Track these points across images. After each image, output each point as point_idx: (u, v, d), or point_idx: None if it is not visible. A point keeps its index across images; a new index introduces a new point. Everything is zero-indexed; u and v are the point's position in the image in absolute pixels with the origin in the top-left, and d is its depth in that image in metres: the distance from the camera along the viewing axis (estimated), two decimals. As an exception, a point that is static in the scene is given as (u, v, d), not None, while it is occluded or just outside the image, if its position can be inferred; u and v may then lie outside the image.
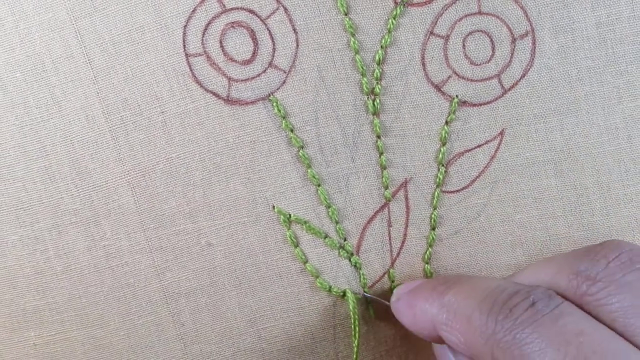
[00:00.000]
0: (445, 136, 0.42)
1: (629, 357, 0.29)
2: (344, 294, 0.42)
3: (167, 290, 0.42)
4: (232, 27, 0.40)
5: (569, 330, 0.30)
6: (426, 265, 0.43)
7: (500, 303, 0.32)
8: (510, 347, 0.30)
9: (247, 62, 0.41)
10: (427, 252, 0.43)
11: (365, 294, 0.42)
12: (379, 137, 0.42)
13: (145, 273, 0.42)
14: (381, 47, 0.41)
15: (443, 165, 0.42)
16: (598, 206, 0.42)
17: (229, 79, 0.41)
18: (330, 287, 0.42)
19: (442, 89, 0.41)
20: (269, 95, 0.41)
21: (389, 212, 0.42)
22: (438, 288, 0.36)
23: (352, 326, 0.41)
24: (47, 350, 0.42)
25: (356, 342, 0.41)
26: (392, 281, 0.43)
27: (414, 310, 0.37)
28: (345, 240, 0.42)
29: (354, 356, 0.41)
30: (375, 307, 0.43)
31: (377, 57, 0.41)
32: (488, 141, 0.42)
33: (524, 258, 0.42)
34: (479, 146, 0.42)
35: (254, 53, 0.41)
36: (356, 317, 0.41)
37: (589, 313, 0.32)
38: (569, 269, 0.33)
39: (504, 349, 0.30)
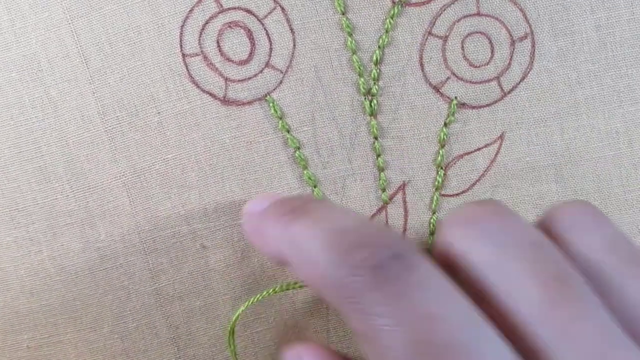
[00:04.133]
0: (444, 138, 0.41)
1: (480, 349, 0.25)
2: None
3: (161, 293, 0.41)
4: (229, 27, 0.40)
5: (419, 312, 0.25)
6: (425, 272, 0.42)
7: (344, 253, 0.26)
8: (358, 310, 0.25)
9: (244, 63, 0.41)
10: (426, 259, 0.42)
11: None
12: (376, 138, 0.41)
13: (140, 275, 0.41)
14: (379, 47, 0.41)
15: (442, 168, 0.42)
16: (599, 213, 0.42)
17: (226, 79, 0.41)
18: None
19: (440, 90, 0.41)
20: (266, 96, 0.41)
21: (386, 215, 0.42)
22: (284, 217, 0.31)
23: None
24: (40, 354, 0.42)
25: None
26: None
27: (263, 236, 0.33)
28: (341, 241, 0.42)
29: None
30: None
31: (374, 58, 0.41)
32: (488, 144, 0.42)
33: (525, 267, 0.42)
34: (478, 149, 0.42)
35: (250, 53, 0.41)
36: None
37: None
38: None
39: (351, 310, 0.26)
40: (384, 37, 0.41)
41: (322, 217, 0.29)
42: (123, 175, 0.41)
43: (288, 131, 0.41)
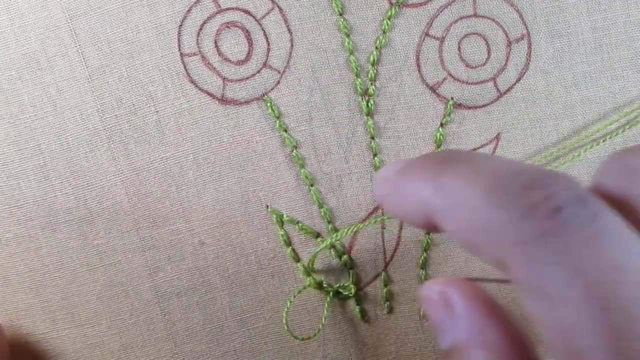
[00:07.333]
0: (440, 138, 0.42)
1: None
2: (334, 294, 0.42)
3: (159, 290, 0.42)
4: (227, 27, 0.41)
5: (604, 263, 0.22)
6: (421, 270, 0.42)
7: (514, 195, 0.23)
8: (527, 262, 0.23)
9: (242, 62, 0.41)
10: (422, 257, 0.42)
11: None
12: (373, 138, 0.42)
13: (138, 272, 0.42)
14: (376, 47, 0.41)
15: (438, 168, 0.42)
16: (594, 212, 0.42)
17: (224, 79, 0.41)
18: (321, 285, 0.42)
19: (437, 91, 0.41)
20: (263, 96, 0.41)
21: (382, 214, 0.42)
22: (432, 167, 0.27)
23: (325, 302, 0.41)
24: (38, 349, 0.42)
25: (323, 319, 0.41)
26: (385, 285, 0.43)
27: (403, 193, 0.28)
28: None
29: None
30: (366, 309, 0.43)
31: (371, 58, 0.41)
32: (483, 145, 0.42)
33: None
34: (474, 150, 0.42)
35: (248, 53, 0.41)
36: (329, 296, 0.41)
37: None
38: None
39: (518, 261, 0.23)
40: (381, 37, 0.41)
41: (480, 162, 0.25)
42: (122, 173, 0.41)
43: (285, 131, 0.41)
